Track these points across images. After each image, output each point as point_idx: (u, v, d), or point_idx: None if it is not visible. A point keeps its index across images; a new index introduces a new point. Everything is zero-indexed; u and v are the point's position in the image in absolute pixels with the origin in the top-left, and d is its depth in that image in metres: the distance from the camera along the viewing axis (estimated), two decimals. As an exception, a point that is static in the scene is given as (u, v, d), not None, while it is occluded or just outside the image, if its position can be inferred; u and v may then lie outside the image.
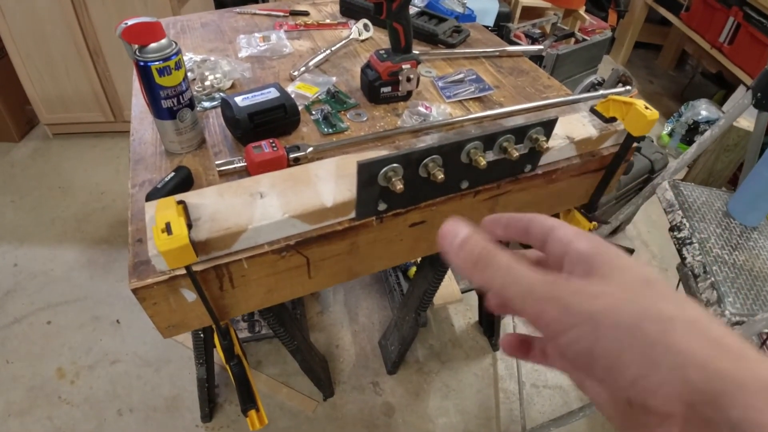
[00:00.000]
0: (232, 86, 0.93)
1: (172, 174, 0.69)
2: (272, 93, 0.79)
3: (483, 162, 0.64)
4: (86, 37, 2.05)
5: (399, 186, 0.60)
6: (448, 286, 1.44)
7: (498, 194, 0.77)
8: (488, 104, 0.93)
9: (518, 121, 0.81)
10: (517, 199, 0.81)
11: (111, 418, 1.41)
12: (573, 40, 2.08)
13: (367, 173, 0.60)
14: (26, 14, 1.98)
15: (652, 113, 0.77)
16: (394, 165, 0.60)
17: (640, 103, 0.78)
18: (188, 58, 1.00)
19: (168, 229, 0.51)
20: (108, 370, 1.53)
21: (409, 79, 0.88)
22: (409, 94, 0.92)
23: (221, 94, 0.90)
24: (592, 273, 0.24)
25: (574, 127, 0.82)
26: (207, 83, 0.91)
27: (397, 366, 1.47)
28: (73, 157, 2.34)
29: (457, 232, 0.27)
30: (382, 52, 0.88)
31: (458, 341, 1.62)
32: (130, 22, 0.66)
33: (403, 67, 0.86)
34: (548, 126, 0.71)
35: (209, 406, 1.38)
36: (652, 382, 0.20)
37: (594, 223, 0.96)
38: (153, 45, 0.67)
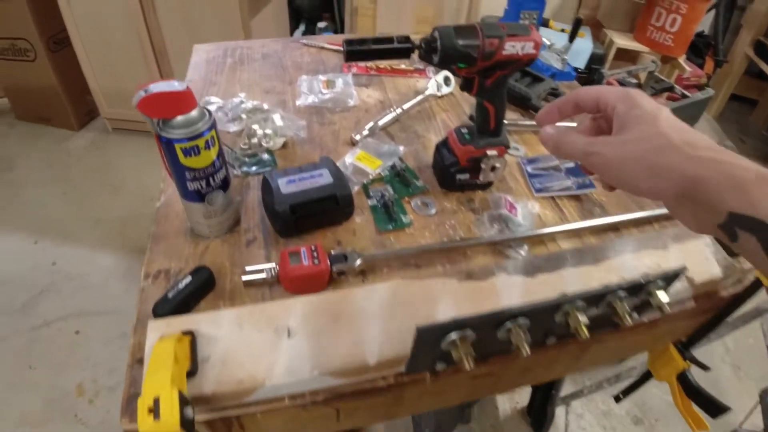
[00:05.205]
0: (284, 146, 0.80)
1: (189, 279, 0.56)
2: (323, 177, 0.64)
3: (585, 335, 0.48)
4: (152, 36, 1.99)
5: (467, 366, 0.44)
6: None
7: (589, 345, 0.60)
8: (587, 205, 0.75)
9: (627, 246, 0.63)
10: (609, 348, 0.64)
11: (122, 450, 1.33)
12: (667, 94, 1.85)
13: (428, 339, 0.45)
14: (92, 4, 1.94)
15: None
16: (465, 331, 0.45)
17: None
18: (239, 100, 0.87)
19: (156, 408, 0.38)
20: (127, 394, 1.46)
21: (493, 169, 0.71)
22: (490, 183, 0.75)
23: (267, 156, 0.77)
24: (623, 128, 0.37)
25: (695, 261, 0.63)
26: (254, 141, 0.78)
27: (430, 450, 1.31)
28: (128, 154, 2.31)
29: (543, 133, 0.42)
30: (464, 130, 0.72)
31: (501, 428, 1.43)
32: (152, 88, 0.51)
33: (488, 153, 0.70)
34: (671, 280, 0.53)
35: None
36: (656, 188, 0.34)
37: (688, 362, 0.76)
38: (179, 118, 0.54)
